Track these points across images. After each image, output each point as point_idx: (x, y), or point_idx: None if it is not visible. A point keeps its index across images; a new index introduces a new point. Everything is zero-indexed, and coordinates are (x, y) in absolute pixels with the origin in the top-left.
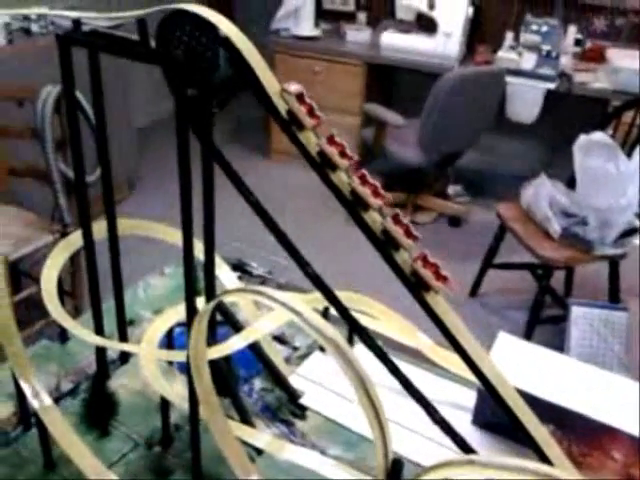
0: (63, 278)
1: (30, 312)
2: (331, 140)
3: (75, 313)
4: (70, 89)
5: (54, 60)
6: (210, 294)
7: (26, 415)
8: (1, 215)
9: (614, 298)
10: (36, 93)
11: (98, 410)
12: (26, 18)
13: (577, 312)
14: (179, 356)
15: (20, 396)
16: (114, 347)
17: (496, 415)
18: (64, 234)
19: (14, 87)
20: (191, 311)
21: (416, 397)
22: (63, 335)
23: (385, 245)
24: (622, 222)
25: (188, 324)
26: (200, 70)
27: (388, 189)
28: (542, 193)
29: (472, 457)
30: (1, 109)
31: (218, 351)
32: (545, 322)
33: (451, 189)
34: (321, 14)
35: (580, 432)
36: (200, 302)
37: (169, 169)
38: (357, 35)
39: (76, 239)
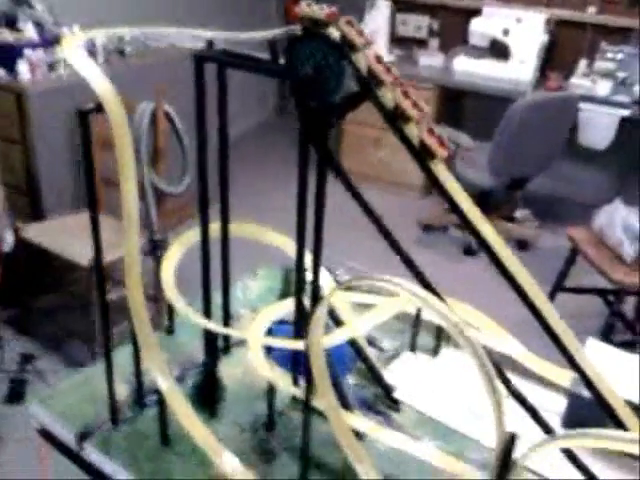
0: (147, 282)
1: (112, 315)
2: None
3: (157, 316)
4: (201, 102)
5: (145, 78)
6: (316, 290)
7: (142, 396)
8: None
9: None
10: (132, 109)
11: (209, 394)
12: (121, 40)
13: None
14: (285, 343)
15: (139, 378)
16: (225, 332)
17: (585, 418)
18: (152, 241)
19: None
20: (299, 306)
21: (527, 408)
22: (170, 327)
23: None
24: None
25: (297, 318)
26: (327, 85)
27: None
28: (616, 217)
29: (585, 430)
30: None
31: (330, 339)
32: (616, 347)
33: (519, 213)
34: (394, 40)
35: None
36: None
37: (251, 182)
38: (430, 60)
39: (190, 237)
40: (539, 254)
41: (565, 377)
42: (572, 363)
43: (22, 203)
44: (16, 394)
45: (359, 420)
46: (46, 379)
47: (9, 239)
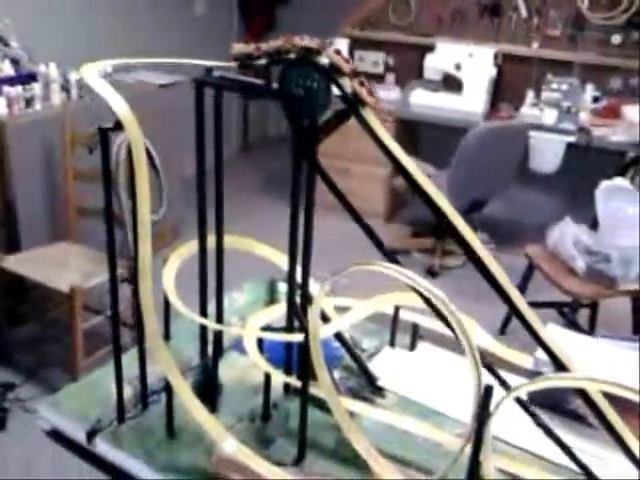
0: (124, 310)
1: (91, 342)
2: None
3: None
4: (201, 125)
5: None
6: (306, 287)
7: (145, 396)
8: (70, 252)
9: (638, 332)
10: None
11: (208, 391)
12: None
13: None
14: (278, 336)
15: (143, 379)
16: (223, 329)
17: (547, 392)
18: (130, 268)
19: (86, 134)
20: (292, 303)
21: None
22: (167, 335)
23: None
24: None
25: (289, 314)
26: (315, 105)
27: (418, 235)
28: (567, 234)
29: (548, 375)
30: (75, 156)
31: (324, 330)
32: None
33: (478, 236)
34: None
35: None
36: (281, 308)
37: (211, 220)
38: (387, 94)
39: (185, 250)
40: None
41: (527, 360)
42: (539, 341)
43: None
44: None
45: (351, 402)
46: (27, 407)
47: None
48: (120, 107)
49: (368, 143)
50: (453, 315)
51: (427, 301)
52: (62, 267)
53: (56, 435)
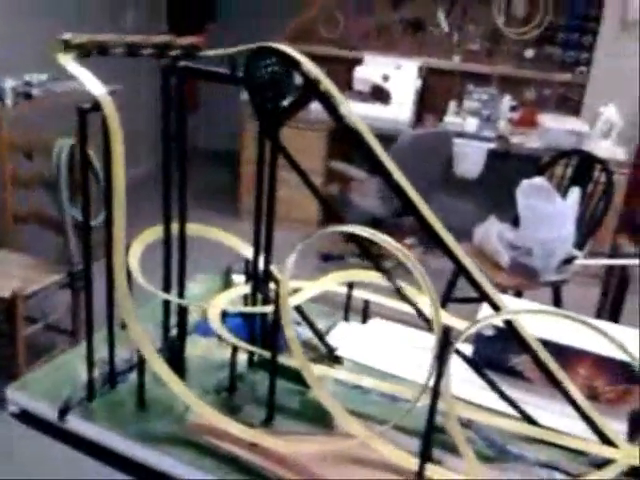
0: (61, 317)
1: (32, 352)
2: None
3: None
4: (168, 111)
5: (53, 120)
6: (268, 264)
7: (114, 375)
8: (8, 260)
9: None
10: (50, 146)
11: (176, 366)
12: (27, 84)
13: None
14: (245, 309)
15: (112, 359)
16: (189, 306)
17: (490, 350)
18: (71, 273)
19: (25, 140)
20: (255, 282)
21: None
22: (124, 324)
23: None
24: (562, 252)
25: (253, 289)
26: (280, 90)
27: (351, 240)
28: (492, 231)
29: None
30: (11, 163)
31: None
32: None
33: (408, 240)
34: None
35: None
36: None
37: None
38: (319, 105)
39: (147, 236)
40: (427, 275)
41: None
42: (484, 296)
43: None
44: None
45: (317, 367)
46: None
47: None
48: (97, 88)
49: (300, 152)
50: (411, 262)
51: (379, 268)
52: (1, 275)
53: (25, 416)
